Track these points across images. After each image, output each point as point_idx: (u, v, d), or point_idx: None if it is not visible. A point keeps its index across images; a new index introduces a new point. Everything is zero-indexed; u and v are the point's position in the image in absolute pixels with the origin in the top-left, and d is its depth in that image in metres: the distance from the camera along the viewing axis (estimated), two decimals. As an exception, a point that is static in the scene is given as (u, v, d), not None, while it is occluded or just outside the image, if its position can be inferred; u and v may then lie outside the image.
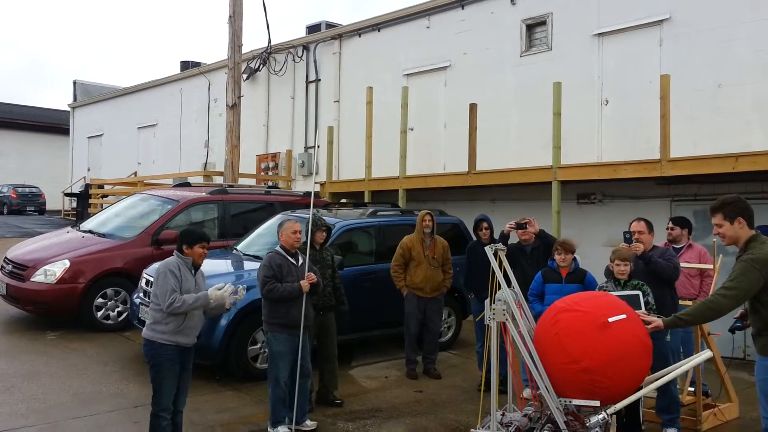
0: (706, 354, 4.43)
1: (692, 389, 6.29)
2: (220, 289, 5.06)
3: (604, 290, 5.46)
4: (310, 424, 5.96)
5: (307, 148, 16.47)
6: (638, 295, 5.25)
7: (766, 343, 3.94)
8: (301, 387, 5.85)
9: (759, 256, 3.94)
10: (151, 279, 7.78)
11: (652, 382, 4.63)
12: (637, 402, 4.89)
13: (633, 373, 4.30)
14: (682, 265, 6.32)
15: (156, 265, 8.10)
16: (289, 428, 5.72)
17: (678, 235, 6.97)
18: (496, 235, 7.35)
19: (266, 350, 6.34)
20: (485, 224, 7.36)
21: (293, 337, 5.78)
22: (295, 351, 5.78)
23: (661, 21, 10.22)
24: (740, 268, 3.95)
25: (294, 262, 5.96)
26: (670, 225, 7.09)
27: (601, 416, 4.21)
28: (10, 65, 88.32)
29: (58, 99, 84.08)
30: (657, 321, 4.41)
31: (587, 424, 4.22)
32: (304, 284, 5.80)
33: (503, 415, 4.65)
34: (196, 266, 5.09)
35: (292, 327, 5.78)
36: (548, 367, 4.34)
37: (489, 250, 4.93)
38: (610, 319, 4.20)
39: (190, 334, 5.00)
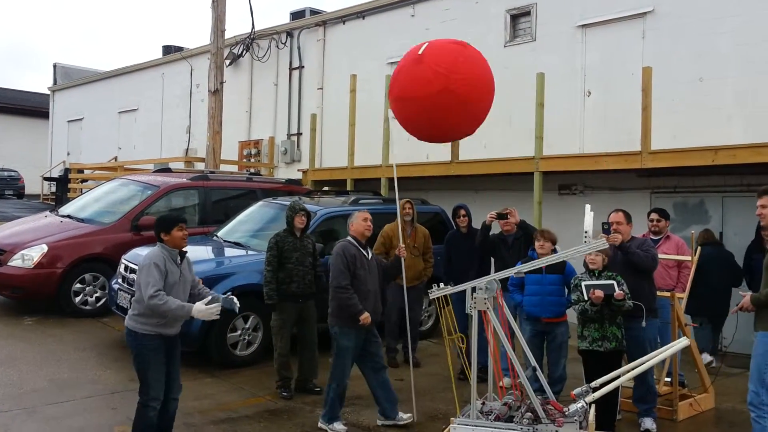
0: (683, 342, 4.49)
1: (669, 379, 6.37)
2: (208, 304, 4.71)
3: (579, 281, 5.52)
4: (405, 417, 5.82)
5: (289, 135, 16.37)
6: (613, 284, 5.33)
7: None
8: (382, 380, 5.75)
9: None
10: (131, 265, 7.75)
11: (629, 371, 4.67)
12: (614, 391, 4.94)
13: None
14: (661, 256, 6.38)
15: (136, 251, 8.08)
16: (344, 425, 5.64)
17: (664, 226, 7.06)
18: (476, 224, 7.37)
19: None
20: (463, 211, 7.39)
21: (361, 331, 5.61)
22: (361, 346, 5.65)
23: (645, 13, 10.27)
24: None
25: (366, 254, 5.73)
26: (656, 216, 7.15)
27: (579, 404, 4.25)
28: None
29: (39, 82, 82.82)
30: (746, 300, 4.58)
31: (566, 413, 4.26)
32: (365, 319, 5.52)
33: (483, 404, 4.67)
34: (182, 252, 4.90)
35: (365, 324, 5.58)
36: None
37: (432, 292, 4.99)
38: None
39: (174, 325, 4.88)
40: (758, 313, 4.51)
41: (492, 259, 7.05)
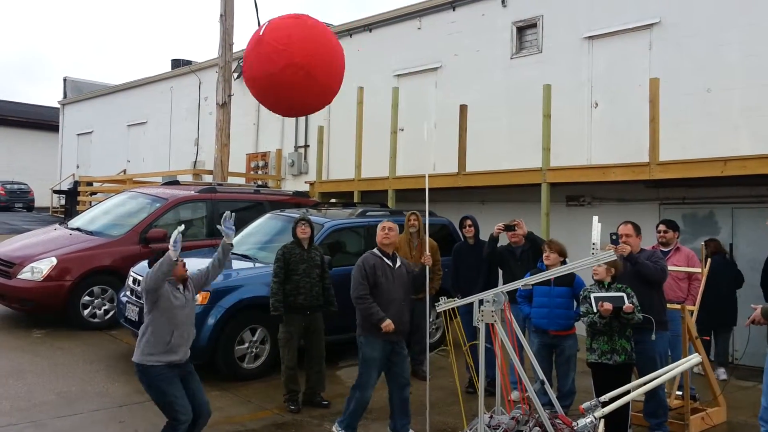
0: (695, 359, 4.44)
1: (680, 393, 6.31)
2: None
3: (589, 293, 5.48)
4: None
5: (297, 147, 16.42)
6: (623, 296, 5.29)
7: None
8: (403, 397, 5.70)
9: None
10: (139, 277, 7.76)
11: (640, 385, 4.64)
12: (625, 405, 4.89)
13: None
14: (671, 268, 6.34)
15: (145, 264, 8.08)
16: None
17: (671, 237, 7.01)
18: (483, 236, 7.35)
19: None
20: (469, 222, 7.36)
21: (387, 342, 5.56)
22: (387, 357, 5.59)
23: (651, 25, 10.27)
24: None
25: (390, 264, 5.68)
26: (663, 228, 7.11)
27: (589, 420, 4.22)
28: (2, 61, 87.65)
29: (49, 95, 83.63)
30: (757, 314, 4.61)
31: (575, 428, 4.22)
32: (387, 326, 5.45)
33: (491, 417, 4.64)
34: (183, 280, 4.89)
35: (385, 333, 5.50)
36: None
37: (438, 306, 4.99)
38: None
39: (179, 351, 4.79)
40: None
41: (500, 271, 7.03)
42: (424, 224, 7.57)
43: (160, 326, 4.73)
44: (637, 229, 5.80)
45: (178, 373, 4.78)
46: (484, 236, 7.23)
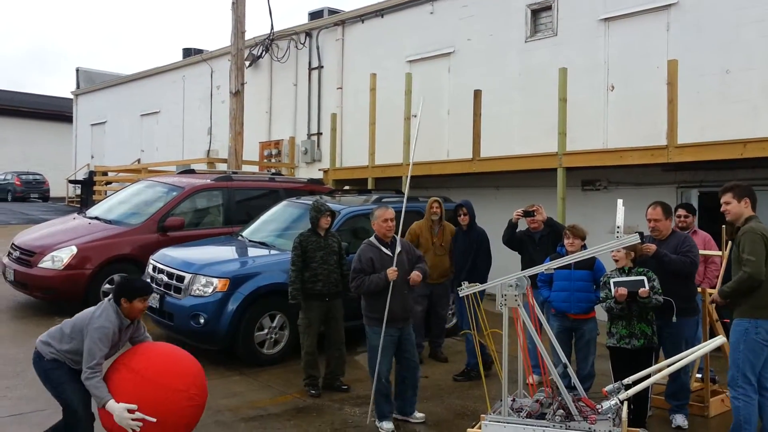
0: (718, 340, 4.44)
1: (700, 375, 6.30)
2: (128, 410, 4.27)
3: (608, 278, 5.47)
4: (419, 416, 5.84)
5: (310, 135, 16.43)
6: (643, 279, 5.26)
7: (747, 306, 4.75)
8: (409, 379, 5.77)
9: (755, 227, 4.77)
10: (158, 265, 7.83)
11: (662, 369, 4.64)
12: (646, 389, 4.89)
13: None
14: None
15: (164, 251, 8.15)
16: (392, 422, 5.65)
17: (691, 222, 6.99)
18: (501, 222, 7.34)
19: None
20: (464, 209, 7.36)
21: (394, 329, 5.61)
22: (395, 344, 5.65)
23: (669, 5, 10.15)
24: (747, 239, 4.73)
25: (389, 252, 5.72)
26: (684, 213, 7.07)
27: (613, 402, 4.22)
28: (15, 52, 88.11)
29: (63, 86, 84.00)
30: (714, 295, 5.14)
31: (599, 410, 4.24)
32: (390, 273, 5.53)
33: (513, 400, 4.66)
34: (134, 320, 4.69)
35: (391, 321, 5.56)
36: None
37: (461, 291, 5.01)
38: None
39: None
40: (732, 303, 4.90)
41: (519, 256, 7.04)
42: (432, 215, 7.65)
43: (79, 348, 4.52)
44: (667, 212, 5.70)
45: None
46: (502, 223, 7.19)
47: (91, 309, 4.70)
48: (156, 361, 4.61)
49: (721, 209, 5.04)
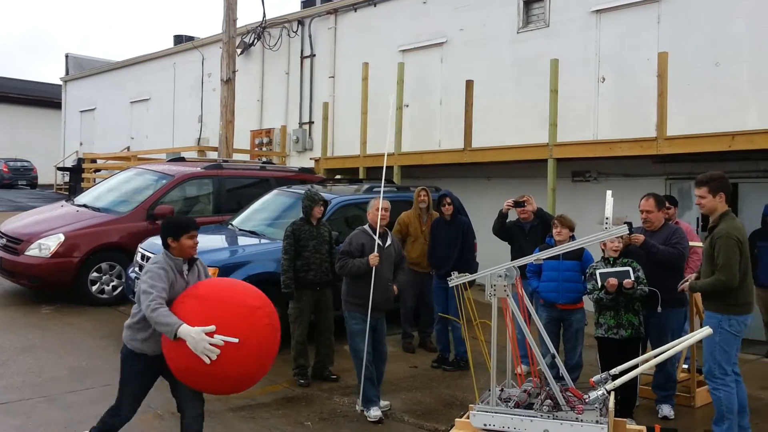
0: (705, 331, 4.47)
1: (686, 366, 6.35)
2: (206, 333, 3.75)
3: (594, 269, 5.50)
4: (383, 404, 5.83)
5: (301, 124, 16.37)
6: (628, 270, 5.31)
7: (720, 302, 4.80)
8: (379, 371, 5.85)
9: (731, 230, 4.74)
10: (147, 253, 7.79)
11: (649, 359, 4.67)
12: (633, 379, 4.93)
13: None
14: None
15: (153, 240, 8.12)
16: (380, 408, 5.69)
17: (673, 213, 7.02)
18: (491, 213, 7.35)
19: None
20: (448, 199, 7.33)
21: (369, 316, 5.64)
22: (371, 331, 5.68)
23: (660, -2, 10.15)
24: (722, 245, 4.71)
25: (380, 243, 5.75)
26: (666, 204, 7.10)
27: (600, 392, 4.25)
28: (4, 38, 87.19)
29: (53, 73, 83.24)
30: (685, 285, 5.15)
31: (586, 400, 4.26)
32: (372, 258, 5.62)
33: (502, 390, 4.68)
34: (191, 260, 4.30)
35: (372, 309, 5.62)
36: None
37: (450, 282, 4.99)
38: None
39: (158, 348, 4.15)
40: (704, 297, 4.98)
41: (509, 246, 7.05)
42: (420, 203, 7.66)
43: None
44: (659, 203, 5.73)
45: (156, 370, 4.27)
46: (493, 214, 7.20)
47: None
48: (223, 285, 4.30)
49: (696, 202, 5.04)
